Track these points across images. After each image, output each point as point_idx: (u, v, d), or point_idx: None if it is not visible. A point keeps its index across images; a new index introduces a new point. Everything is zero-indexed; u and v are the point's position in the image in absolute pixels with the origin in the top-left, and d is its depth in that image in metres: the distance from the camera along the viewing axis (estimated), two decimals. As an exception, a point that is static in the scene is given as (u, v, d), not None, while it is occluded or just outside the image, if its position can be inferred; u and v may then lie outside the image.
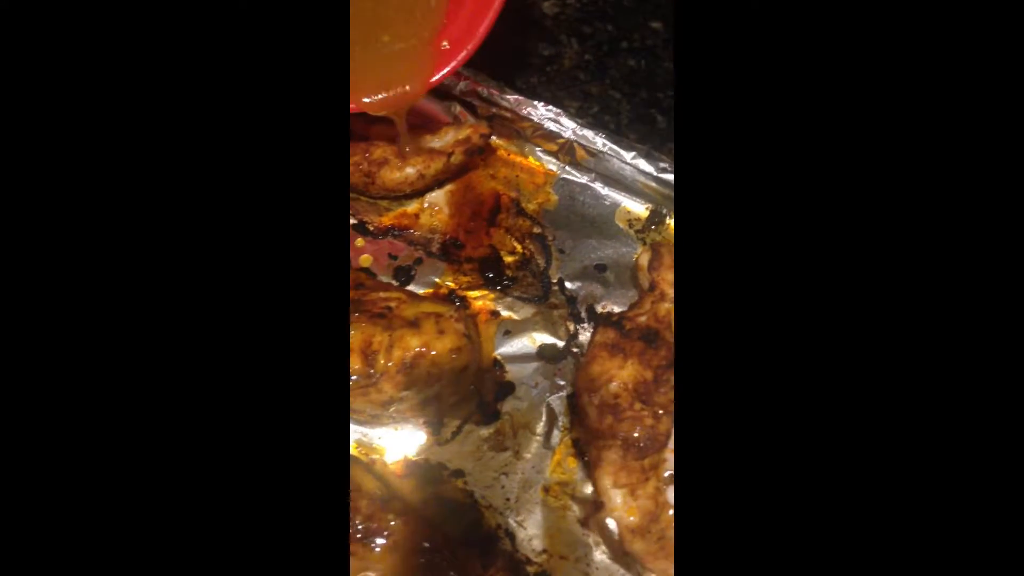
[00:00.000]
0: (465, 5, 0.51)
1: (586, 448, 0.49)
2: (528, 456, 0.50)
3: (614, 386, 0.48)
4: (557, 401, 0.51)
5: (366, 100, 0.50)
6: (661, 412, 0.47)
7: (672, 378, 0.47)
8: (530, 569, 0.47)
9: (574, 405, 0.50)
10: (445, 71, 0.50)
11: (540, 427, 0.51)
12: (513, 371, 0.52)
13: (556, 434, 0.51)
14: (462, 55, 0.50)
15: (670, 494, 0.46)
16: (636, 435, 0.46)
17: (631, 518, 0.45)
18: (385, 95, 0.50)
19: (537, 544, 0.48)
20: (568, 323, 0.54)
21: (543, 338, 0.53)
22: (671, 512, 0.46)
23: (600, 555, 0.47)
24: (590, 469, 0.48)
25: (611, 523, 0.46)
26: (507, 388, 0.52)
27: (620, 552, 0.47)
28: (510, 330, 0.53)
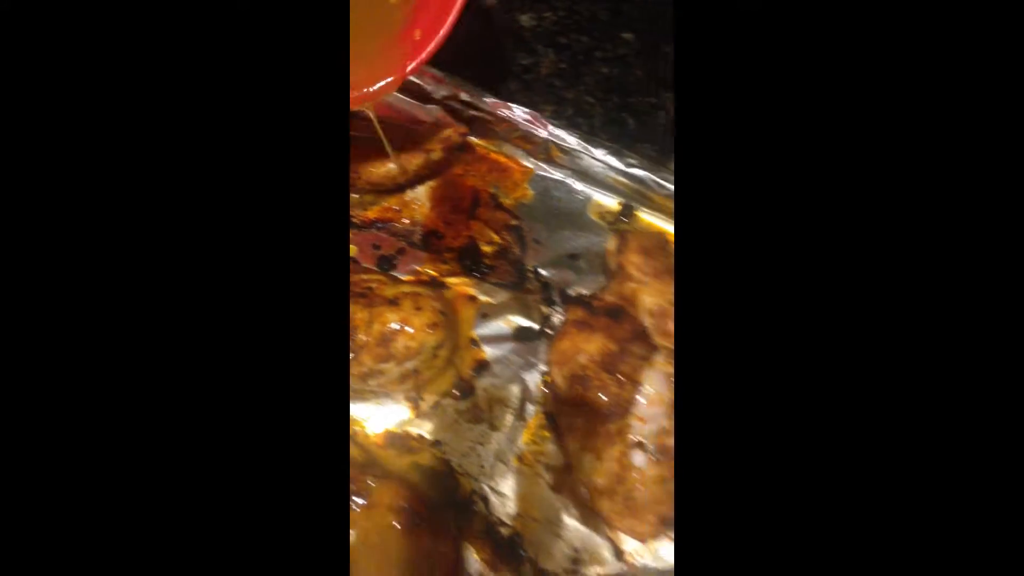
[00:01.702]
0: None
1: (557, 418, 0.52)
2: (503, 428, 0.53)
3: (582, 358, 0.51)
4: (531, 377, 0.54)
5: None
6: (625, 380, 0.50)
7: (635, 349, 0.50)
8: (503, 531, 0.49)
9: (546, 380, 0.53)
10: (418, 60, 0.50)
11: (514, 401, 0.54)
12: (489, 350, 0.55)
13: (530, 407, 0.53)
14: (433, 44, 0.49)
15: (635, 457, 0.49)
16: (602, 402, 0.49)
17: (598, 480, 0.48)
18: (362, 91, 0.50)
19: (510, 508, 0.50)
20: (542, 307, 0.57)
21: (518, 320, 0.56)
22: (635, 474, 0.48)
23: (569, 517, 0.50)
24: (560, 436, 0.51)
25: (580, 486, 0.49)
26: (483, 365, 0.55)
27: (589, 513, 0.49)
28: (487, 313, 0.57)
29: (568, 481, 0.50)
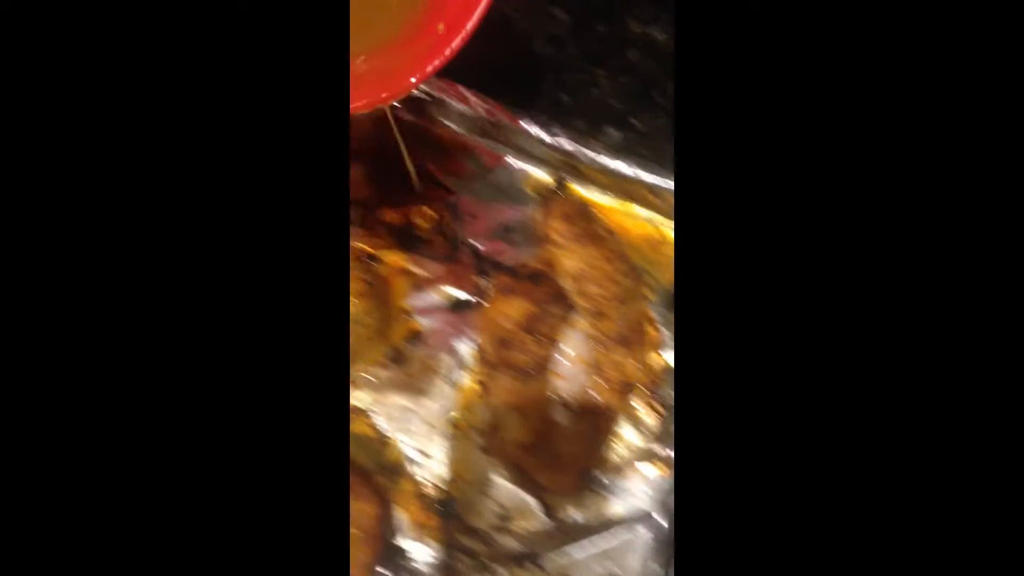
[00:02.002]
0: None
1: (486, 382, 0.53)
2: (434, 394, 0.54)
3: (506, 322, 0.52)
4: (463, 346, 0.56)
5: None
6: (546, 340, 0.51)
7: (555, 311, 0.51)
8: (433, 493, 0.51)
9: (476, 346, 0.55)
10: (442, 57, 0.44)
11: (445, 368, 0.55)
12: (423, 321, 0.57)
13: (462, 375, 0.55)
14: (458, 39, 0.43)
15: (556, 414, 0.50)
16: (524, 362, 0.51)
17: (523, 438, 0.49)
18: (367, 100, 0.44)
19: (441, 470, 0.51)
20: (474, 277, 0.58)
21: (451, 291, 0.58)
22: (556, 430, 0.49)
23: (498, 477, 0.51)
24: (488, 398, 0.52)
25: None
26: (416, 336, 0.56)
27: (516, 471, 0.51)
28: (420, 285, 0.58)
29: (497, 442, 0.52)
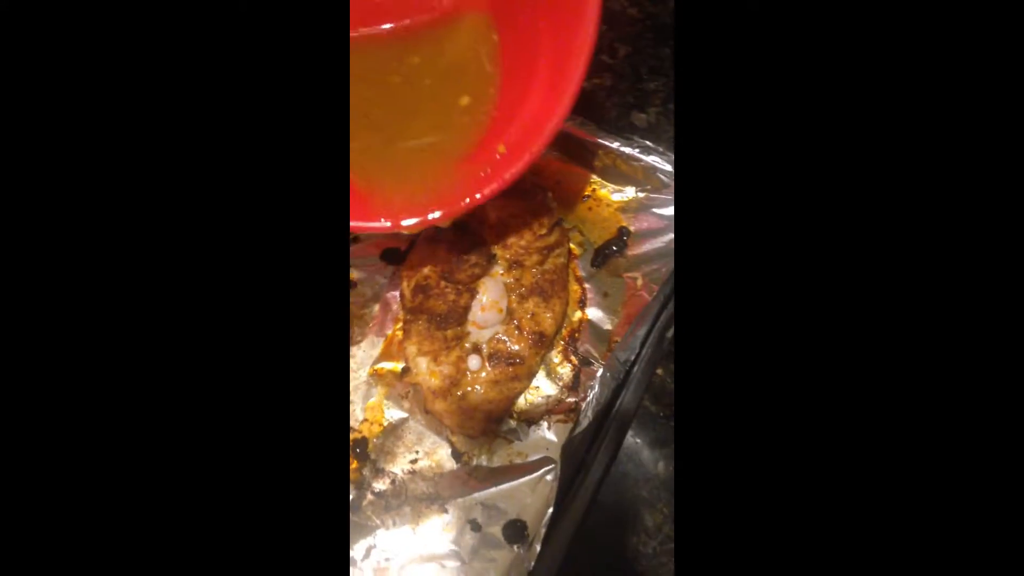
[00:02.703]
0: (529, 101, 0.43)
1: (405, 327, 0.54)
2: (362, 342, 0.55)
3: (426, 269, 0.53)
4: (393, 296, 0.56)
5: (405, 223, 0.43)
6: (462, 288, 0.51)
7: (475, 259, 0.52)
8: (351, 435, 0.52)
9: (401, 294, 0.55)
10: (498, 183, 0.42)
11: (374, 316, 0.56)
12: (357, 273, 0.58)
13: (389, 324, 0.56)
14: (520, 165, 0.42)
15: (470, 361, 0.50)
16: (440, 309, 0.51)
17: (433, 381, 0.50)
18: (420, 218, 0.43)
19: (359, 414, 0.52)
20: (410, 232, 0.59)
21: (386, 244, 0.59)
22: (469, 376, 0.50)
23: (413, 422, 0.52)
24: (403, 343, 0.53)
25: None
26: (351, 285, 0.57)
27: (428, 416, 0.51)
28: (358, 237, 0.59)
29: (411, 386, 0.52)
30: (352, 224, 0.42)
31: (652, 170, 0.56)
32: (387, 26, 0.46)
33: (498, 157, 0.43)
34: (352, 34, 0.46)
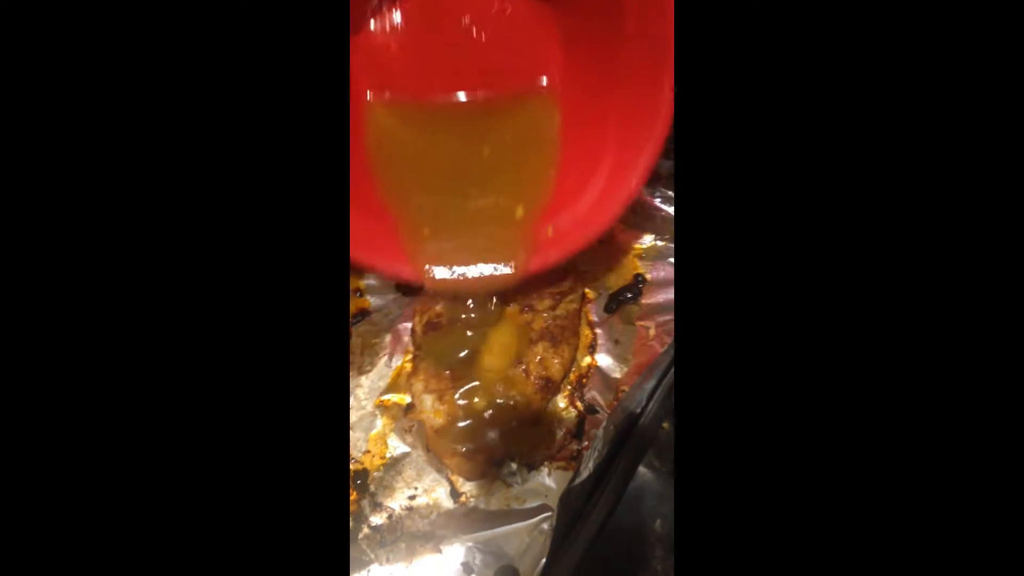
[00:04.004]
0: (587, 194, 0.46)
1: (413, 362, 0.54)
2: (371, 371, 0.55)
3: (438, 307, 0.53)
4: (404, 328, 0.57)
5: (436, 274, 0.46)
6: (472, 330, 0.52)
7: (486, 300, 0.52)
8: (351, 467, 0.52)
9: (413, 329, 0.56)
10: (542, 265, 0.45)
11: (385, 348, 0.56)
12: (373, 300, 0.58)
13: (398, 355, 0.56)
14: (564, 253, 0.45)
15: (476, 402, 0.50)
16: (449, 347, 0.51)
17: (437, 420, 0.50)
18: (458, 274, 0.46)
19: (361, 445, 0.52)
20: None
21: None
22: (473, 417, 0.50)
23: (415, 457, 0.52)
24: (410, 379, 0.53)
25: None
26: (364, 313, 0.58)
27: (429, 453, 0.51)
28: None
29: (415, 422, 0.52)
30: (382, 267, 0.47)
31: (671, 221, 0.55)
32: (461, 97, 0.50)
33: (548, 236, 0.45)
34: (427, 99, 0.50)
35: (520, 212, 0.47)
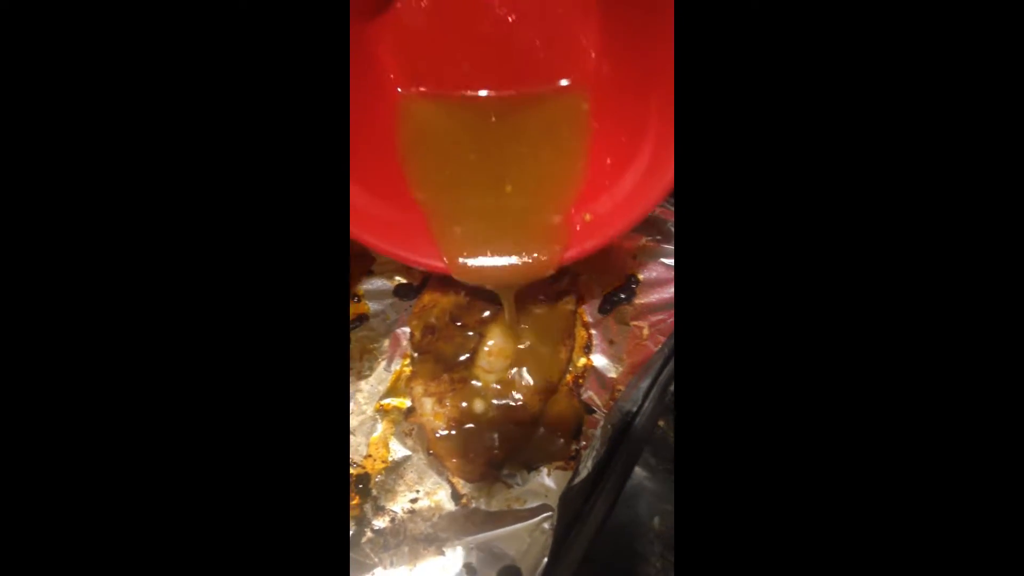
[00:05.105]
0: (624, 180, 0.45)
1: (412, 366, 0.55)
2: (370, 376, 0.56)
3: (436, 310, 0.54)
4: (403, 332, 0.57)
5: (469, 263, 0.47)
6: (471, 332, 0.52)
7: (482, 304, 0.53)
8: (352, 471, 0.52)
9: (411, 332, 0.56)
10: (577, 252, 0.46)
11: (384, 352, 0.57)
12: (371, 305, 0.59)
13: (397, 359, 0.56)
14: (599, 240, 0.45)
15: (475, 405, 0.51)
16: (447, 351, 0.52)
17: (437, 423, 0.51)
18: (491, 264, 0.47)
19: (362, 450, 0.53)
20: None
21: (401, 279, 0.60)
22: (473, 420, 0.51)
23: (416, 461, 0.52)
24: (410, 382, 0.54)
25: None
26: (362, 318, 0.58)
27: (430, 456, 0.52)
28: (373, 271, 0.60)
29: (415, 426, 0.53)
30: (413, 258, 0.47)
31: (663, 221, 0.56)
32: (486, 93, 0.50)
33: (585, 222, 0.46)
34: (456, 94, 0.50)
35: (552, 203, 0.47)
